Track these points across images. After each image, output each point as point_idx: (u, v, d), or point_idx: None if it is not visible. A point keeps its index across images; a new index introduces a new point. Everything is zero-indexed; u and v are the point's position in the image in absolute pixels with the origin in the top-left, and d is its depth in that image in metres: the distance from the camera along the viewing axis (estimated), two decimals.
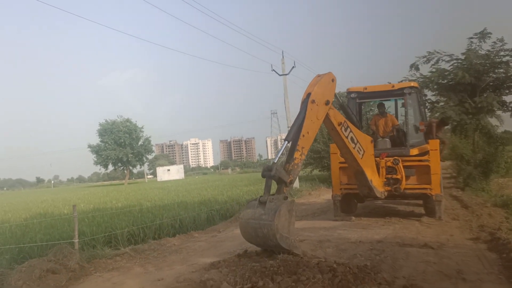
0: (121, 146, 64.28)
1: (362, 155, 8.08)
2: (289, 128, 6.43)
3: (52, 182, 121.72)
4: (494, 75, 18.14)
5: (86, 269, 6.55)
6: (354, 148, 7.80)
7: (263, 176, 5.72)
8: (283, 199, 5.66)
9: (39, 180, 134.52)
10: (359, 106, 10.78)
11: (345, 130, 7.47)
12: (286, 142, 6.04)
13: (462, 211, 10.87)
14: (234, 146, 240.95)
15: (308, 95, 6.34)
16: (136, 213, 11.40)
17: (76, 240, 7.12)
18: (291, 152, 5.95)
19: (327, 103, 6.59)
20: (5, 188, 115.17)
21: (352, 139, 7.69)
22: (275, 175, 5.58)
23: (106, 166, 67.37)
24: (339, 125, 7.26)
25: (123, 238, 8.80)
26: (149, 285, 5.75)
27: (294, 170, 5.85)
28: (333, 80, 6.86)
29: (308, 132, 6.14)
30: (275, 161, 5.88)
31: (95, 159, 65.50)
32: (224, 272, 5.99)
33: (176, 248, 8.28)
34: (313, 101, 6.31)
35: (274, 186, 5.94)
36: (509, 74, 18.04)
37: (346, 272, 5.34)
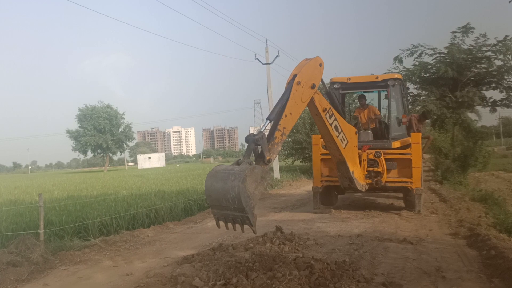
0: (101, 133, 62.74)
1: (345, 145, 7.90)
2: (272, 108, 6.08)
3: (29, 167, 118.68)
4: (476, 70, 18.18)
5: (51, 262, 6.17)
6: (337, 136, 7.60)
7: (246, 140, 5.36)
8: None
9: (16, 165, 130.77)
10: (342, 97, 10.57)
11: (330, 117, 7.26)
12: (268, 121, 5.76)
13: (440, 205, 10.89)
14: (217, 135, 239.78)
15: (294, 76, 6.11)
16: (110, 202, 10.97)
17: (41, 231, 6.70)
18: (271, 131, 5.68)
19: (313, 86, 6.37)
20: None
21: (336, 127, 7.49)
22: (258, 140, 5.21)
23: (85, 153, 65.79)
24: (323, 111, 7.05)
25: (94, 229, 8.40)
26: (117, 280, 5.44)
27: (274, 150, 5.55)
28: (320, 65, 6.63)
29: (291, 113, 5.90)
30: (262, 130, 5.56)
31: (74, 145, 63.81)
32: (197, 267, 5.74)
33: (149, 239, 7.96)
34: (298, 83, 6.08)
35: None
36: (490, 70, 18.13)
37: (324, 269, 5.16)
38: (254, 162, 5.18)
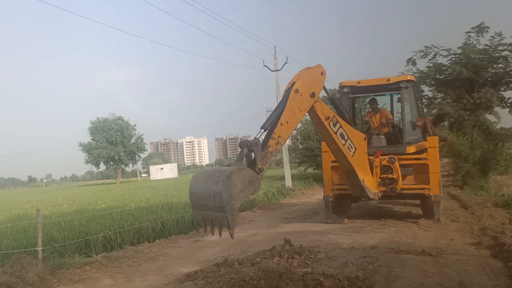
0: (113, 145, 63.18)
1: (353, 152, 7.47)
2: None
3: (45, 181, 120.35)
4: (493, 70, 17.56)
5: (48, 282, 5.89)
6: (344, 145, 7.21)
7: (240, 145, 5.13)
8: None
9: (31, 179, 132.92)
10: (352, 101, 10.16)
11: (334, 125, 6.89)
12: (262, 130, 5.41)
13: (461, 212, 10.32)
14: (230, 144, 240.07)
15: (293, 84, 5.80)
16: (116, 215, 10.71)
17: (39, 248, 6.44)
18: (265, 139, 5.35)
19: (312, 95, 6.05)
20: None
21: (342, 135, 7.09)
22: (252, 145, 4.93)
23: (97, 165, 66.23)
24: (326, 119, 6.69)
25: (97, 244, 8.12)
26: None
27: (267, 159, 5.18)
28: (322, 73, 6.33)
29: (287, 122, 5.58)
30: (257, 137, 5.24)
31: (86, 158, 64.43)
32: (200, 285, 5.39)
33: (153, 255, 7.64)
34: (296, 90, 5.79)
35: None
36: (508, 69, 17.49)
37: (335, 286, 4.76)
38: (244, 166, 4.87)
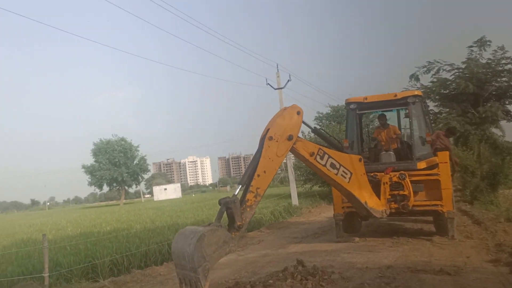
0: (116, 166, 63.14)
1: (349, 178, 7.29)
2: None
3: (47, 204, 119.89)
4: (497, 84, 17.61)
5: None
6: (337, 174, 7.05)
7: (219, 203, 5.22)
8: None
9: (34, 202, 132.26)
10: (359, 117, 10.08)
11: (321, 158, 6.76)
12: (240, 186, 5.51)
13: (474, 228, 10.08)
14: (232, 163, 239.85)
15: (267, 131, 5.76)
16: (122, 238, 10.52)
17: (45, 274, 6.28)
18: (244, 194, 5.40)
19: (289, 138, 5.98)
20: None
21: (332, 165, 6.94)
22: (229, 203, 5.03)
23: (100, 187, 66.05)
24: (311, 155, 6.59)
25: (104, 269, 7.93)
26: None
27: (246, 214, 5.22)
28: (298, 113, 6.29)
29: (264, 172, 5.54)
30: (236, 194, 5.35)
31: (89, 180, 64.33)
32: None
33: (161, 278, 7.43)
34: (271, 138, 5.75)
35: None
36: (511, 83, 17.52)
37: None
38: (221, 226, 4.97)
